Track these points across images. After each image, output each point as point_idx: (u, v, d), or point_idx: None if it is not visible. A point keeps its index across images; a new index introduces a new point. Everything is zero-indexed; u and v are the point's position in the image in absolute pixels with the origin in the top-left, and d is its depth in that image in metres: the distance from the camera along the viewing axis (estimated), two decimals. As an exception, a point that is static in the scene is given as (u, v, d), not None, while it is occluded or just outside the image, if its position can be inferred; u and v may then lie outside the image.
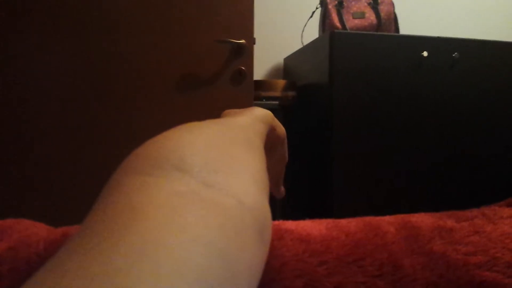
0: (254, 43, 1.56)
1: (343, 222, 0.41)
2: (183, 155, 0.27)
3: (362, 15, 1.91)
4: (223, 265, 0.20)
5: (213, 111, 1.51)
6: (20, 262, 0.32)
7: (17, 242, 0.34)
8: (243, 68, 1.52)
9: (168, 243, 0.19)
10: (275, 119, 0.44)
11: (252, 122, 0.39)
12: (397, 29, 1.95)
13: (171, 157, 0.27)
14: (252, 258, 0.24)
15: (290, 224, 0.40)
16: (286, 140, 0.48)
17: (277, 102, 1.83)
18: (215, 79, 1.51)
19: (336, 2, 1.91)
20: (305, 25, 2.14)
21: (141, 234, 0.19)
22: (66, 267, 0.18)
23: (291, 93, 1.87)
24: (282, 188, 0.53)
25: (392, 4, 1.92)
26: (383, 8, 1.89)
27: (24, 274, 0.32)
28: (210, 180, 0.26)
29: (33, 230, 0.36)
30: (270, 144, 0.45)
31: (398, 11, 2.07)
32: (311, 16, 2.06)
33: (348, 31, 1.82)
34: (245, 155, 0.32)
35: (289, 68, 2.21)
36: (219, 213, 0.23)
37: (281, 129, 0.46)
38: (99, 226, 0.21)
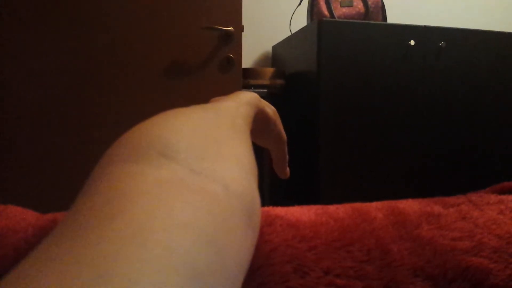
0: (243, 31, 1.55)
1: (332, 208, 0.41)
2: (168, 141, 0.27)
3: (350, 4, 1.90)
4: (212, 250, 0.20)
5: (201, 99, 1.50)
6: (8, 248, 0.32)
7: (4, 228, 0.34)
8: (231, 55, 1.51)
9: (155, 229, 0.19)
10: (262, 100, 0.44)
11: (238, 106, 0.39)
12: (384, 18, 1.96)
13: (156, 144, 0.27)
14: (240, 243, 0.24)
15: (279, 210, 0.40)
16: (279, 119, 0.48)
17: (265, 90, 1.83)
18: (203, 67, 1.49)
19: (325, -10, 1.90)
20: (293, 13, 2.13)
21: (128, 220, 0.19)
22: (52, 253, 0.18)
23: (279, 81, 1.87)
24: (287, 169, 0.53)
25: (380, -7, 1.92)
26: (371, -3, 1.89)
27: (12, 261, 0.31)
28: (196, 167, 0.26)
29: (21, 216, 0.36)
30: (262, 125, 0.45)
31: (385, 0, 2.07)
32: (299, 4, 2.05)
33: (336, 19, 1.81)
34: (232, 140, 0.32)
35: (277, 56, 2.20)
36: (206, 199, 0.23)
37: (270, 109, 0.46)
38: (85, 213, 0.20)
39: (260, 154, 1.89)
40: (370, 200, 0.47)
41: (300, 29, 1.84)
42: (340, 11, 1.89)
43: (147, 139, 0.27)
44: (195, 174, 0.25)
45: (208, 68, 1.50)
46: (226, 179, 0.26)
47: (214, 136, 0.30)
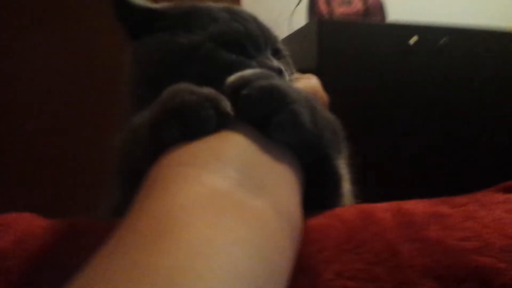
0: (242, 31, 1.54)
1: (339, 210, 0.42)
2: (222, 148, 0.29)
3: (349, 2, 1.90)
4: (266, 266, 0.22)
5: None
6: (28, 256, 0.32)
7: (23, 236, 0.34)
8: (232, 56, 1.50)
9: (222, 243, 0.20)
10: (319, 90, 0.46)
11: None
12: (384, 16, 1.95)
13: (212, 150, 0.28)
14: (286, 256, 0.26)
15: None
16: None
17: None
18: (203, 67, 1.49)
19: (324, -11, 1.90)
20: (292, 12, 2.13)
21: (198, 233, 0.20)
22: (130, 256, 0.19)
23: (279, 81, 1.86)
24: None
25: (379, -9, 1.92)
26: (370, -5, 1.89)
27: (32, 268, 0.31)
28: (247, 175, 0.27)
29: (37, 223, 0.36)
30: None
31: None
32: (299, 3, 2.05)
33: (336, 18, 1.81)
34: (275, 147, 0.33)
35: (276, 56, 2.20)
36: (257, 216, 0.25)
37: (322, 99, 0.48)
38: (153, 220, 0.22)
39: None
40: (374, 200, 0.47)
41: (299, 28, 1.84)
42: (339, 10, 1.89)
43: (202, 146, 0.29)
44: (247, 186, 0.26)
45: (209, 68, 1.49)
46: (274, 193, 0.28)
47: (261, 144, 0.32)
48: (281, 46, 0.58)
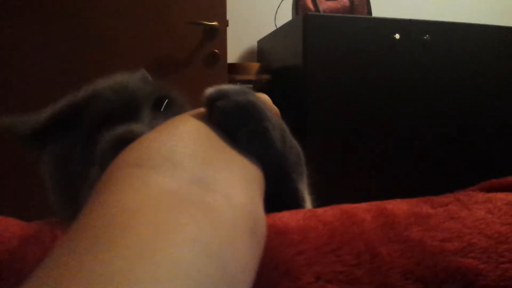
0: (227, 25, 1.53)
1: (320, 211, 0.41)
2: (173, 147, 0.28)
3: (335, -3, 1.90)
4: (216, 264, 0.21)
5: (186, 95, 1.49)
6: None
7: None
8: (217, 51, 1.50)
9: (164, 244, 0.19)
10: (266, 103, 0.45)
11: None
12: (369, 11, 1.96)
13: (162, 149, 0.28)
14: (244, 254, 0.25)
15: (266, 219, 0.39)
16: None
17: (251, 86, 1.82)
18: (188, 62, 1.48)
19: (309, -16, 1.89)
20: (278, 7, 2.12)
21: (138, 236, 0.19)
22: (66, 267, 0.18)
23: (265, 76, 1.86)
24: None
25: (365, -14, 1.92)
26: (356, -10, 1.89)
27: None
28: (200, 174, 0.26)
29: (4, 226, 0.35)
30: None
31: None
32: (284, -2, 2.04)
33: (321, 13, 1.81)
34: (234, 148, 0.33)
35: (263, 51, 2.19)
36: (209, 212, 0.24)
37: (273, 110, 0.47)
38: (94, 226, 0.21)
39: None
40: (361, 198, 0.47)
41: (285, 24, 1.84)
42: (325, 5, 1.89)
43: (153, 145, 0.28)
44: (199, 183, 0.26)
45: (193, 63, 1.49)
46: (228, 189, 0.27)
47: (217, 143, 0.32)
48: (166, 92, 0.55)
